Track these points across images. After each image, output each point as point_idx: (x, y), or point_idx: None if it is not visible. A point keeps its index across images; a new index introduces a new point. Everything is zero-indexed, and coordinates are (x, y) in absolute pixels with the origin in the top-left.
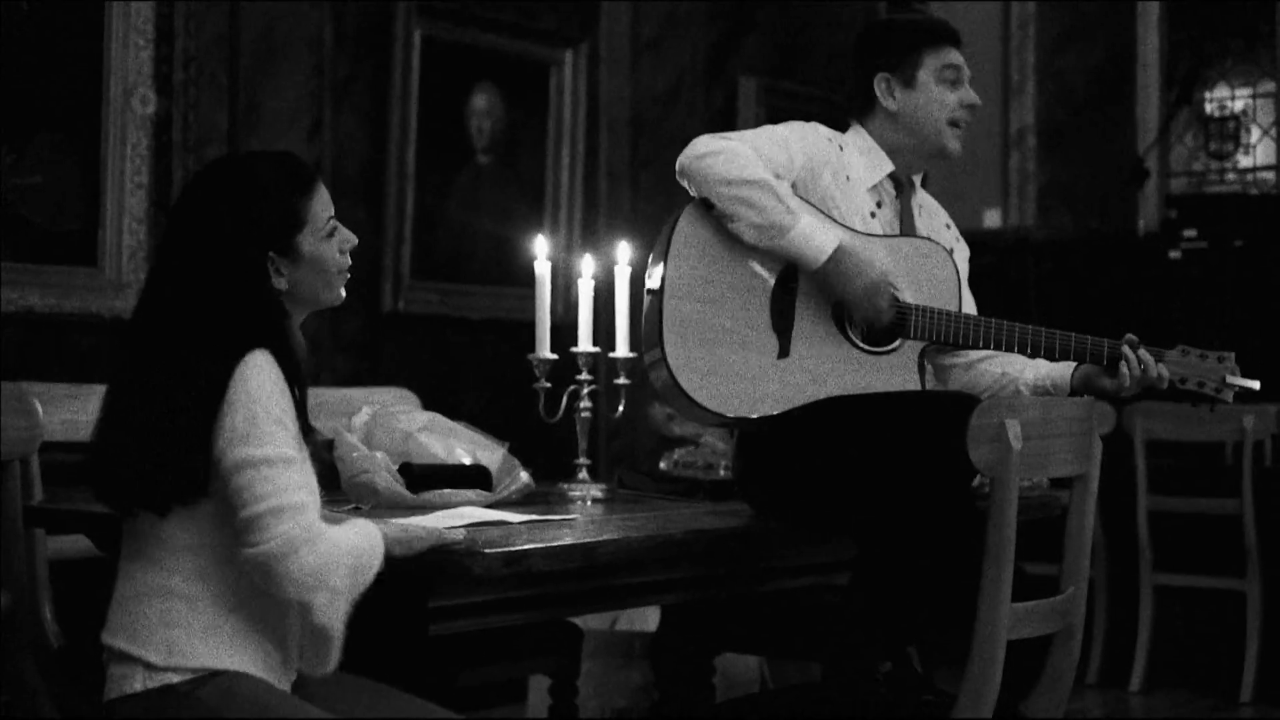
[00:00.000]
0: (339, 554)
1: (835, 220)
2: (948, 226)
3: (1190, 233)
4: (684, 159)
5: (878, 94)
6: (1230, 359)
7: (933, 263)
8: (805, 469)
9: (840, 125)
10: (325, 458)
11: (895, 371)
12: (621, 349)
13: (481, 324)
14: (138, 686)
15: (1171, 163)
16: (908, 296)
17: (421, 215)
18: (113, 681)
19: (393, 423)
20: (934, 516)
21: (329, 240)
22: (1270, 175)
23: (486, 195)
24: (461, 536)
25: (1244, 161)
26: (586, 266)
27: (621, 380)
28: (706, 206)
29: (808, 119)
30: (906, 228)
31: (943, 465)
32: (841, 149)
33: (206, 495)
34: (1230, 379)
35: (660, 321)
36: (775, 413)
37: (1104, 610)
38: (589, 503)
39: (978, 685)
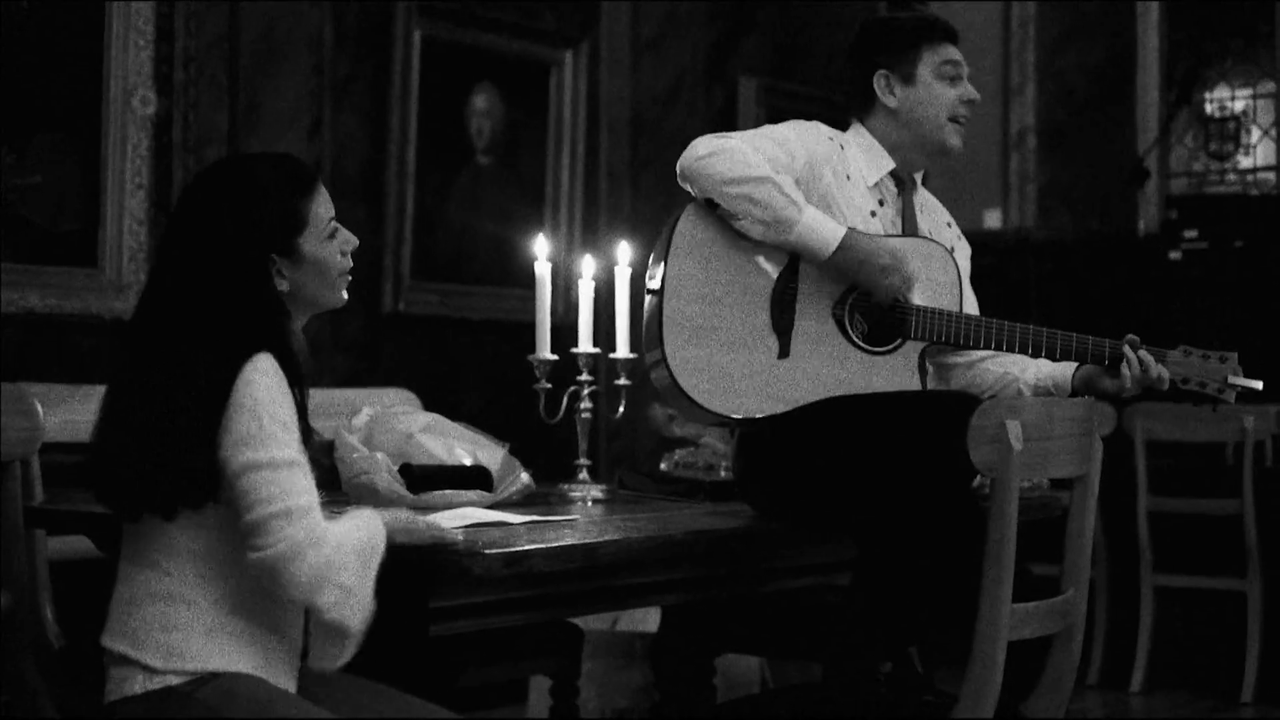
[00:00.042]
0: (344, 553)
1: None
2: (949, 225)
3: (1190, 233)
4: (685, 161)
5: (877, 91)
6: (1233, 359)
7: (934, 263)
8: (806, 469)
9: (841, 125)
10: (325, 461)
11: (896, 371)
12: (622, 350)
13: (482, 325)
14: (137, 689)
15: (1172, 163)
16: (911, 297)
17: (421, 216)
18: (112, 684)
19: (393, 423)
20: (935, 517)
21: (330, 242)
22: (1270, 176)
23: (487, 195)
24: (461, 536)
25: (1244, 162)
26: (587, 267)
27: (622, 381)
28: (711, 206)
29: (808, 119)
30: (908, 226)
31: (943, 465)
32: (843, 148)
33: (215, 500)
34: (1233, 379)
35: (661, 322)
36: (776, 413)
37: (1105, 611)
38: (590, 503)
39: (978, 686)
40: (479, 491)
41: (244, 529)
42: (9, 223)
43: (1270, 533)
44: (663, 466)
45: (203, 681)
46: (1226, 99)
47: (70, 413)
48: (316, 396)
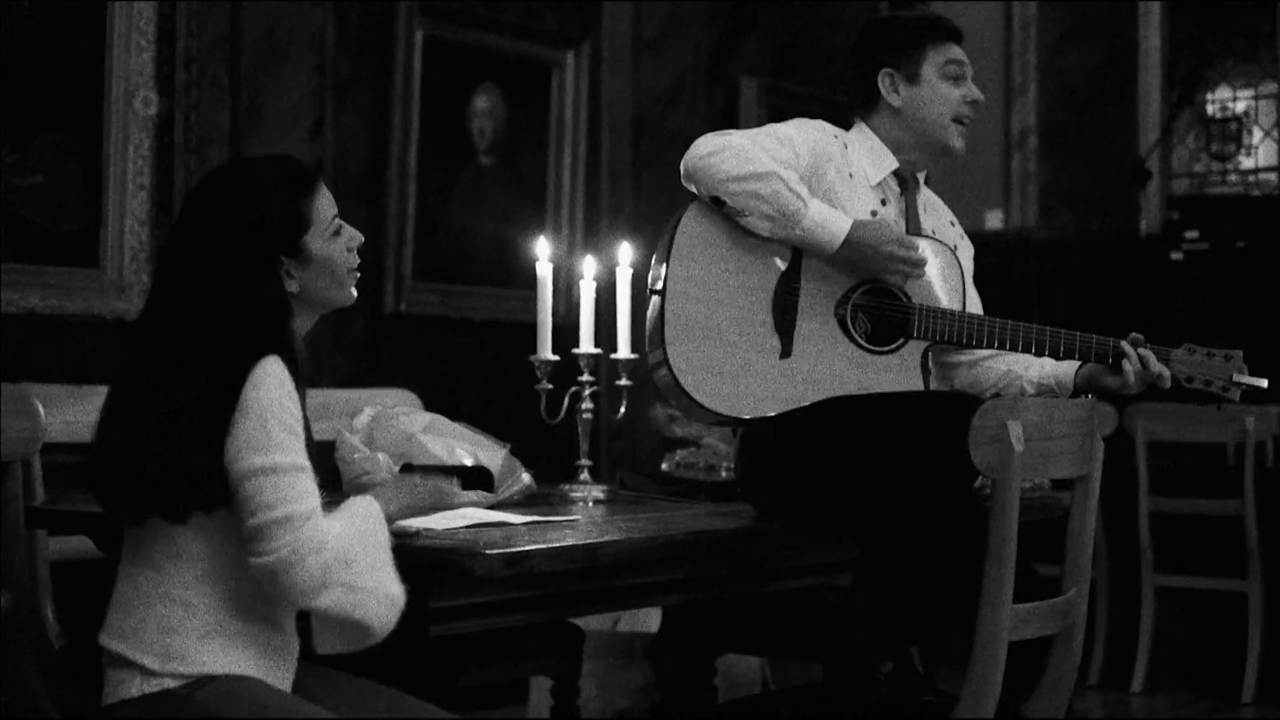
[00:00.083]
0: (347, 552)
1: None
2: (952, 224)
3: (1192, 234)
4: (689, 160)
5: (881, 90)
6: (1238, 357)
7: (937, 262)
8: (808, 469)
9: (843, 125)
10: (326, 465)
11: (898, 371)
12: (623, 350)
13: (483, 325)
14: (135, 691)
15: (1173, 164)
16: (912, 296)
17: (423, 216)
18: (110, 686)
19: (394, 424)
20: (936, 517)
21: (336, 239)
22: (1272, 176)
23: (488, 196)
24: (462, 537)
25: (1246, 163)
26: (588, 267)
27: (623, 381)
28: (717, 204)
29: (811, 119)
30: (911, 225)
31: (945, 466)
32: (846, 146)
33: (226, 505)
34: (1238, 377)
35: (663, 322)
36: (778, 413)
37: (1105, 611)
38: (590, 504)
39: (979, 686)
40: (480, 492)
41: (245, 534)
42: (10, 223)
43: (1271, 533)
44: (664, 467)
45: (200, 684)
46: (1228, 99)
47: (71, 413)
48: (317, 397)
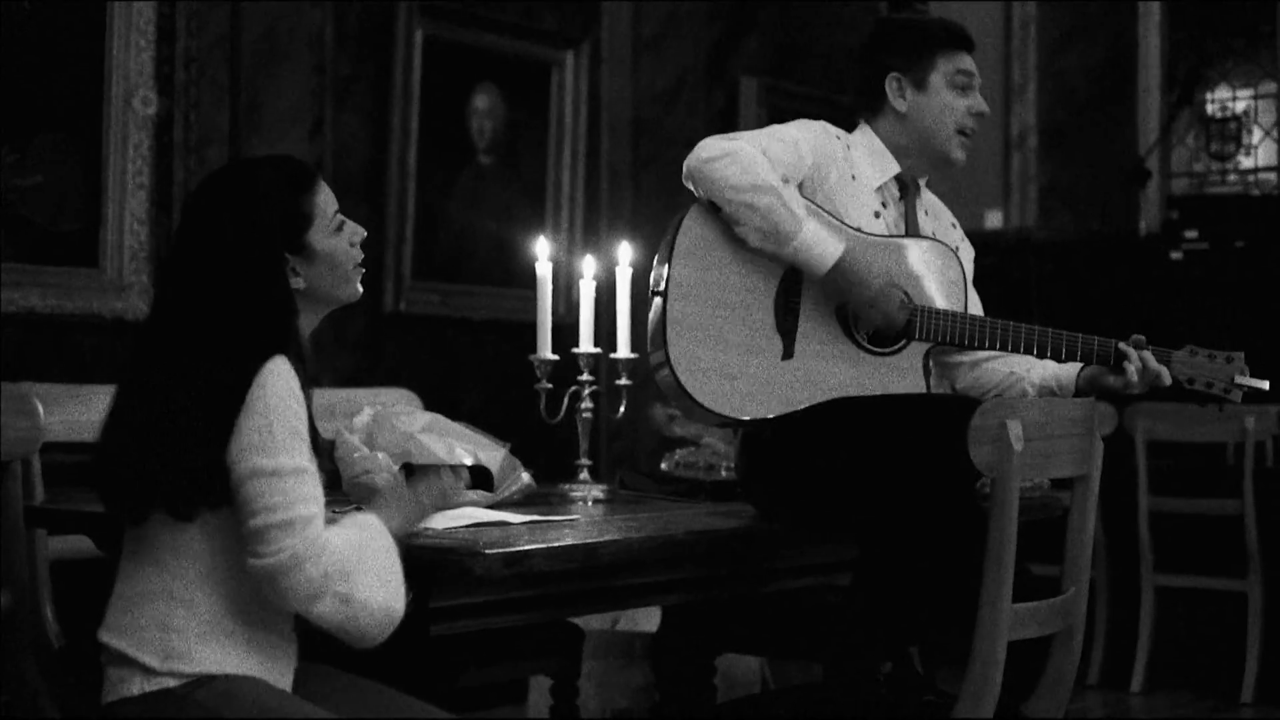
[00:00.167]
0: (345, 563)
1: (841, 221)
2: (953, 226)
3: (1192, 234)
4: (691, 162)
5: (888, 94)
6: (1239, 359)
7: (939, 264)
8: (808, 470)
9: (843, 125)
10: (327, 466)
11: (900, 372)
12: (623, 350)
13: (483, 324)
14: (135, 690)
15: (1173, 163)
16: (914, 298)
17: (423, 215)
18: (110, 684)
19: (394, 423)
20: (936, 518)
21: (338, 234)
22: (1272, 176)
23: (488, 195)
24: (462, 536)
25: (1245, 162)
26: (588, 267)
27: (623, 381)
28: (715, 208)
29: (810, 119)
30: (911, 229)
31: (945, 467)
32: (849, 148)
33: (230, 503)
34: (1239, 379)
35: (665, 323)
36: (779, 414)
37: (1105, 611)
38: (590, 503)
39: (979, 686)
40: (479, 491)
41: (245, 535)
42: (10, 223)
43: (1271, 533)
44: (663, 466)
45: (200, 683)
46: (1228, 99)
47: (71, 413)
48: (318, 397)
